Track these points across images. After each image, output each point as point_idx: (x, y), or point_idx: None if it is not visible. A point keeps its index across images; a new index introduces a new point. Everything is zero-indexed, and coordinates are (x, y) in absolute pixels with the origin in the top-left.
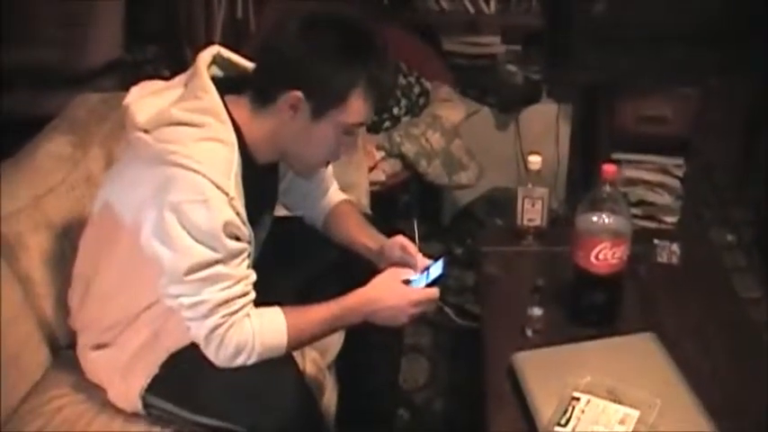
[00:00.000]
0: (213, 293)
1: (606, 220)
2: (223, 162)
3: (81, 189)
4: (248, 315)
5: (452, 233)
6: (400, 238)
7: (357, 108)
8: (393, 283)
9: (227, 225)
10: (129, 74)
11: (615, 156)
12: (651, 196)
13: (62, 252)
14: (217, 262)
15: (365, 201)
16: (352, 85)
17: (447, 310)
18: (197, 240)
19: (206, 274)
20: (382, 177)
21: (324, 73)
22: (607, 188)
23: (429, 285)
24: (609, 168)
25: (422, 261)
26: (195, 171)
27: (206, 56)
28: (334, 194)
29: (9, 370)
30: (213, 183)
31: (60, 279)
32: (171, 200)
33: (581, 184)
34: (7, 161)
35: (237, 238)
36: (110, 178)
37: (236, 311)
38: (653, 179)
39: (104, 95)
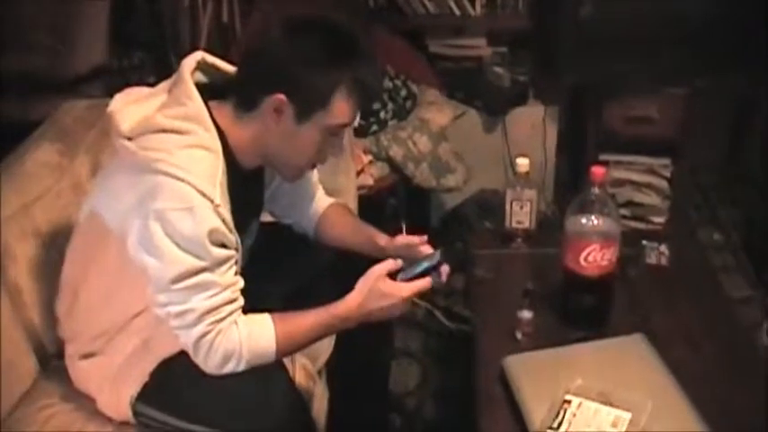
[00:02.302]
0: (200, 301)
1: (595, 223)
2: (208, 169)
3: (68, 196)
4: (236, 323)
5: (441, 236)
6: (404, 238)
7: (341, 109)
8: (379, 283)
9: (212, 232)
10: (114, 80)
11: (602, 157)
12: (639, 197)
13: (50, 260)
14: (203, 270)
15: (353, 205)
16: (335, 86)
17: (437, 313)
18: (182, 249)
19: (192, 282)
20: (370, 181)
21: (307, 75)
22: (596, 190)
23: (421, 275)
24: (597, 171)
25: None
26: (180, 179)
27: (190, 62)
28: (322, 199)
29: None
30: (198, 190)
31: (48, 288)
32: (156, 208)
33: (569, 185)
34: None
35: (224, 246)
36: (96, 186)
37: (224, 318)
38: (640, 180)
39: (90, 102)
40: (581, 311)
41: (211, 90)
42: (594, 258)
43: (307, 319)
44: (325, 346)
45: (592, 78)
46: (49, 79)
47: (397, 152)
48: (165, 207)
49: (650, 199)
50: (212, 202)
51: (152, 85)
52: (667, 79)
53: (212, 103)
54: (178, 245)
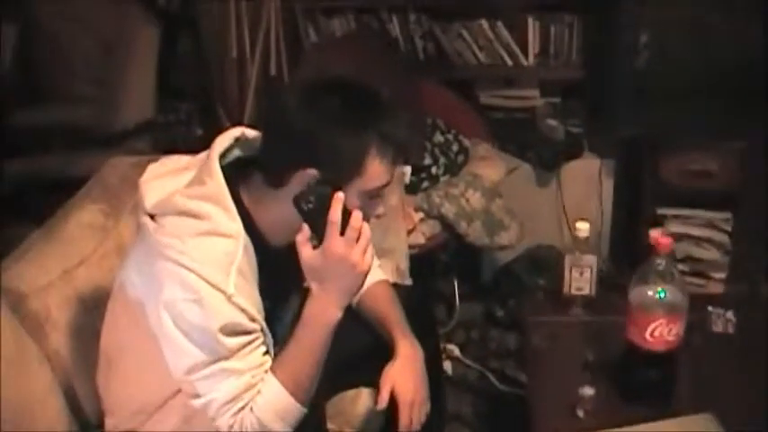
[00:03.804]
0: (219, 392)
1: (661, 296)
2: (221, 258)
3: (112, 259)
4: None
5: (493, 293)
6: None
7: (376, 171)
8: (315, 262)
9: (225, 326)
10: (161, 134)
11: (660, 211)
12: (698, 252)
13: (92, 326)
14: (218, 360)
15: (404, 266)
16: (365, 151)
17: (489, 375)
18: (193, 341)
19: (208, 372)
20: (421, 240)
21: (333, 145)
22: (662, 261)
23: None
24: (663, 240)
25: None
26: (189, 269)
27: (224, 139)
28: (373, 272)
29: None
30: (208, 282)
31: (90, 355)
32: (165, 298)
33: (626, 240)
34: (37, 231)
35: (243, 332)
36: (125, 257)
37: (245, 406)
38: (700, 234)
39: (136, 160)
40: (645, 387)
41: (246, 166)
42: (661, 333)
43: (298, 347)
44: (375, 419)
45: (647, 131)
46: (95, 133)
47: (449, 210)
48: (174, 297)
49: (710, 254)
50: (224, 293)
51: (198, 138)
52: (725, 131)
53: (244, 182)
54: (189, 336)
